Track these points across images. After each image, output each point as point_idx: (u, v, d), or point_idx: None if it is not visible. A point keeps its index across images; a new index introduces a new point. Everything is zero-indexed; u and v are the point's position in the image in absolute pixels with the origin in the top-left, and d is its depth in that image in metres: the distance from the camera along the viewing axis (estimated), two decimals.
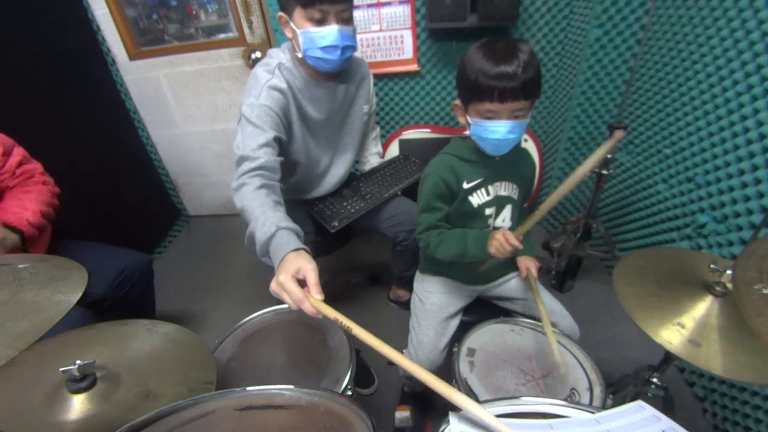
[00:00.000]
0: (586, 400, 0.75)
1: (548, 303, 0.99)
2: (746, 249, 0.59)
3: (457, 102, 0.87)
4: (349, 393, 0.79)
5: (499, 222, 0.98)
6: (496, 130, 0.80)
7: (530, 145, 1.86)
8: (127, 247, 1.35)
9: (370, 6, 1.67)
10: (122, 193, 1.98)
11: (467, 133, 0.88)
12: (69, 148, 1.65)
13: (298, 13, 0.98)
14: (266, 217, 0.82)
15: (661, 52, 1.37)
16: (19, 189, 1.13)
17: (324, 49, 1.00)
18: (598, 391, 0.76)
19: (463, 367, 0.83)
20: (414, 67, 1.79)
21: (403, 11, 1.67)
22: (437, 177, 0.91)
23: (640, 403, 0.54)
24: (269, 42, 1.85)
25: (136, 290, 1.30)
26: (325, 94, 1.15)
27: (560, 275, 1.67)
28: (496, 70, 0.75)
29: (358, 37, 1.68)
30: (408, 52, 1.76)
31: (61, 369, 0.59)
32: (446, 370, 0.91)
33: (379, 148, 1.51)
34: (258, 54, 1.87)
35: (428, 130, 1.89)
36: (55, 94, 1.63)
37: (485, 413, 0.48)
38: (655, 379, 0.93)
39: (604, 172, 1.40)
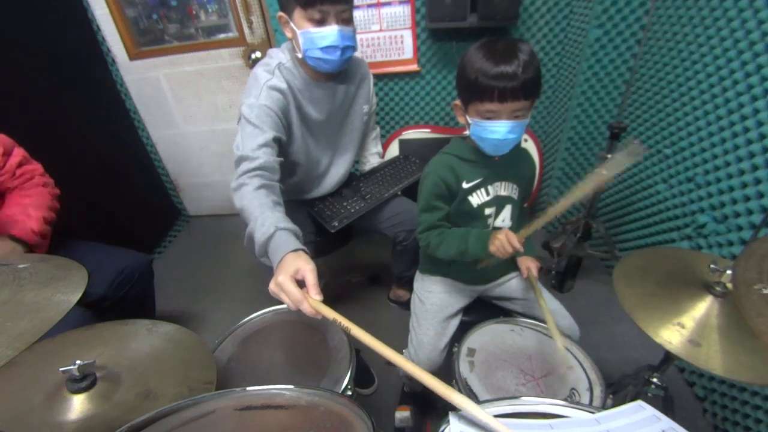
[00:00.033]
0: (586, 400, 0.75)
1: (548, 303, 0.99)
2: (746, 249, 0.59)
3: (457, 102, 0.87)
4: (349, 393, 0.79)
5: (498, 222, 0.98)
6: (496, 130, 0.80)
7: (530, 145, 1.86)
8: (127, 247, 1.35)
9: (370, 6, 1.67)
10: (122, 193, 1.98)
11: (467, 133, 0.88)
12: (69, 148, 1.65)
13: (298, 14, 0.98)
14: (265, 217, 0.82)
15: (661, 52, 1.37)
16: (20, 192, 1.13)
17: (324, 49, 1.00)
18: (598, 391, 0.76)
19: (463, 367, 0.83)
20: (414, 67, 1.79)
21: (403, 11, 1.67)
22: (437, 177, 0.91)
23: (640, 403, 0.54)
24: (269, 42, 1.85)
25: (136, 290, 1.30)
26: (324, 94, 1.15)
27: (560, 275, 1.67)
28: (496, 70, 0.75)
29: (358, 37, 1.68)
30: (408, 52, 1.76)
31: (61, 369, 0.59)
32: (446, 370, 0.91)
33: (379, 148, 1.50)
34: (258, 54, 1.87)
35: (428, 130, 1.89)
36: (55, 94, 1.63)
37: (483, 413, 0.48)
38: (655, 379, 0.93)
39: (604, 172, 1.40)
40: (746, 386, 1.08)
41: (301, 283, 0.68)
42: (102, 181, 1.84)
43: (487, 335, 0.92)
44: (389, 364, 0.56)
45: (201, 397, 0.53)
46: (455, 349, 0.89)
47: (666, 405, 0.93)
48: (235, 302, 1.80)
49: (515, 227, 1.00)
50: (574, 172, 1.85)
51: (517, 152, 0.95)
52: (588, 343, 0.90)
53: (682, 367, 1.34)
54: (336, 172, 1.31)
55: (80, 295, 0.60)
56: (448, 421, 0.51)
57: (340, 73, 1.15)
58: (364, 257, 2.00)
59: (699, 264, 0.75)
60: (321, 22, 0.98)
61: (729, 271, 0.65)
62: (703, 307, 0.68)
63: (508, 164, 0.93)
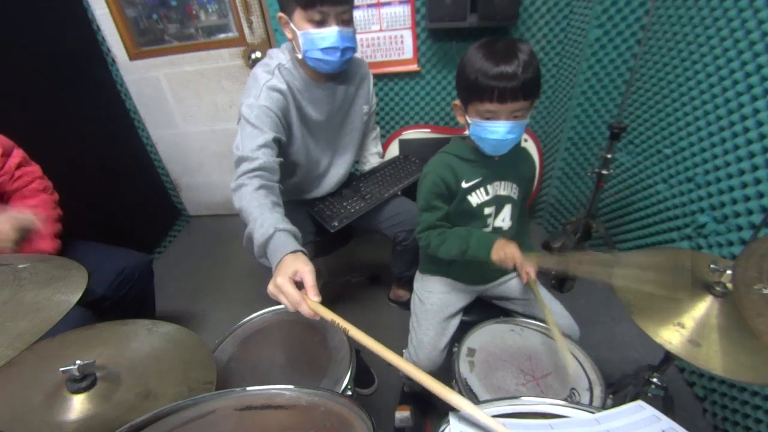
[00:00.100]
0: (586, 400, 0.75)
1: (548, 303, 0.99)
2: (746, 249, 0.59)
3: (457, 102, 0.87)
4: (349, 393, 0.79)
5: (498, 222, 0.98)
6: (496, 130, 0.80)
7: (530, 145, 1.86)
8: (127, 247, 1.35)
9: (370, 6, 1.67)
10: (122, 193, 1.98)
11: (467, 133, 0.88)
12: (69, 148, 1.65)
13: (299, 14, 0.98)
14: (264, 218, 0.82)
15: (661, 52, 1.37)
16: (22, 201, 1.13)
17: (324, 50, 1.00)
18: (598, 391, 0.76)
19: (463, 367, 0.83)
20: (414, 67, 1.79)
21: (403, 11, 1.67)
22: (436, 176, 0.91)
23: (640, 403, 0.54)
24: (269, 42, 1.85)
25: (136, 290, 1.30)
26: (324, 94, 1.15)
27: (560, 275, 1.67)
28: (496, 70, 0.75)
29: (358, 37, 1.68)
30: (408, 52, 1.76)
31: (61, 369, 0.59)
32: (446, 370, 0.91)
33: (379, 148, 1.50)
34: (258, 54, 1.87)
35: (428, 130, 1.89)
36: (55, 94, 1.63)
37: (481, 413, 0.48)
38: (655, 379, 0.93)
39: (604, 172, 1.40)
40: (746, 386, 1.08)
41: (299, 285, 0.68)
42: (102, 181, 1.84)
43: (487, 335, 0.92)
44: (390, 364, 0.56)
45: (201, 397, 0.53)
46: (455, 349, 0.89)
47: (666, 405, 0.93)
48: (235, 302, 1.80)
49: (515, 227, 1.00)
50: (574, 172, 1.85)
51: (517, 152, 0.95)
52: (588, 343, 0.90)
53: (682, 367, 1.34)
54: (336, 173, 1.31)
55: (80, 295, 0.60)
56: (448, 421, 0.51)
57: (340, 73, 1.15)
58: (364, 257, 2.00)
59: (699, 264, 0.75)
60: (321, 23, 0.98)
61: (729, 271, 0.65)
62: (703, 307, 0.68)
63: (508, 164, 0.93)
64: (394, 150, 1.92)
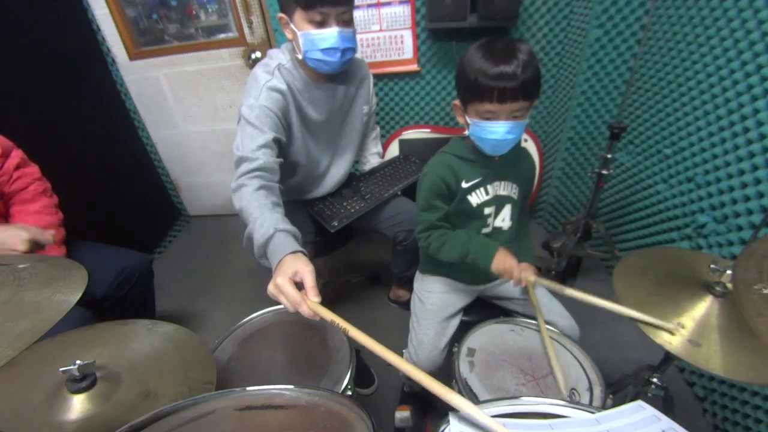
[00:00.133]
0: (586, 400, 0.75)
1: (548, 303, 0.99)
2: (746, 249, 0.59)
3: (456, 102, 0.87)
4: (349, 393, 0.79)
5: (498, 221, 0.98)
6: (495, 130, 0.80)
7: (530, 145, 1.86)
8: (127, 247, 1.35)
9: (370, 6, 1.67)
10: (122, 193, 1.98)
11: (467, 133, 0.88)
12: (69, 148, 1.65)
13: (299, 15, 0.98)
14: (264, 218, 0.82)
15: (661, 52, 1.37)
16: (23, 207, 1.13)
17: (324, 51, 1.00)
18: (598, 391, 0.76)
19: (463, 367, 0.83)
20: (414, 67, 1.79)
21: (403, 11, 1.67)
22: (436, 176, 0.91)
23: (640, 403, 0.54)
24: (269, 42, 1.85)
25: (136, 290, 1.30)
26: (324, 95, 1.15)
27: (560, 275, 1.67)
28: (496, 70, 0.75)
29: (358, 37, 1.68)
30: (408, 52, 1.76)
31: (61, 369, 0.59)
32: (446, 370, 0.91)
33: (379, 148, 1.50)
34: (258, 54, 1.87)
35: (428, 130, 1.89)
36: (55, 94, 1.63)
37: (481, 413, 0.48)
38: (655, 379, 0.93)
39: (604, 172, 1.40)
40: (746, 386, 1.08)
41: (299, 285, 0.68)
42: (102, 181, 1.84)
43: (487, 335, 0.92)
44: (389, 364, 0.56)
45: (201, 397, 0.53)
46: (455, 349, 0.89)
47: (666, 405, 0.93)
48: (235, 302, 1.80)
49: (515, 227, 1.00)
50: (574, 172, 1.85)
51: (517, 152, 0.95)
52: (588, 343, 0.90)
53: (682, 367, 1.34)
54: (336, 173, 1.31)
55: (80, 295, 0.60)
56: (448, 421, 0.51)
57: (340, 73, 1.15)
58: (364, 257, 2.00)
59: (699, 264, 0.76)
60: (321, 24, 0.98)
61: (729, 271, 0.65)
62: (703, 307, 0.68)
63: (508, 164, 0.93)
64: (394, 150, 1.92)
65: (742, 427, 1.09)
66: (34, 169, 1.18)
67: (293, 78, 1.08)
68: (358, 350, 1.02)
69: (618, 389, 1.01)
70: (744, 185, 1.07)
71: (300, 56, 1.04)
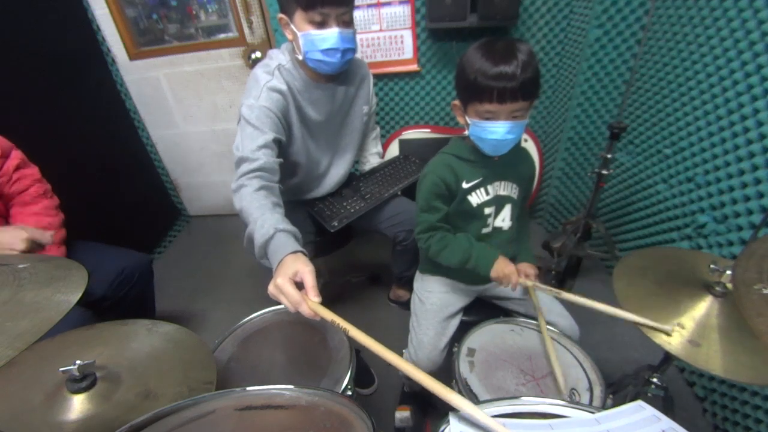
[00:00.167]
0: (586, 400, 0.75)
1: (548, 303, 0.99)
2: (746, 249, 0.59)
3: (456, 102, 0.87)
4: (349, 393, 0.79)
5: (498, 221, 0.98)
6: (495, 130, 0.80)
7: (530, 145, 1.86)
8: (127, 247, 1.35)
9: (370, 6, 1.67)
10: (122, 193, 1.98)
11: (467, 133, 0.88)
12: (69, 148, 1.65)
13: (299, 16, 0.98)
14: (265, 219, 0.82)
15: (661, 52, 1.37)
16: (23, 209, 1.12)
17: (324, 51, 1.00)
18: (598, 391, 0.76)
19: (463, 367, 0.83)
20: (414, 67, 1.79)
21: (403, 11, 1.67)
22: (436, 176, 0.91)
23: (640, 403, 0.54)
24: (269, 42, 1.85)
25: (136, 290, 1.30)
26: (324, 95, 1.15)
27: (560, 275, 1.67)
28: (495, 70, 0.75)
29: (358, 37, 1.68)
30: (408, 52, 1.76)
31: (61, 369, 0.59)
32: (446, 370, 0.91)
33: (379, 148, 1.50)
34: (258, 54, 1.87)
35: (428, 130, 1.89)
36: (55, 94, 1.63)
37: (481, 413, 0.48)
38: (655, 379, 0.93)
39: (604, 172, 1.40)
40: (746, 386, 1.08)
41: (300, 285, 0.68)
42: (102, 181, 1.84)
43: (487, 335, 0.92)
44: (390, 364, 0.56)
45: (201, 397, 0.53)
46: (455, 349, 0.89)
47: (666, 405, 0.93)
48: (235, 302, 1.80)
49: (515, 227, 1.00)
50: (574, 172, 1.85)
51: (517, 152, 0.95)
52: (588, 343, 0.90)
53: (682, 367, 1.34)
54: (336, 173, 1.31)
55: (80, 295, 0.60)
56: (448, 421, 0.51)
57: (340, 74, 1.15)
58: (364, 257, 2.00)
59: (699, 264, 0.76)
60: (322, 25, 0.98)
61: (729, 271, 0.65)
62: (703, 307, 0.68)
63: (508, 164, 0.93)
64: (394, 150, 1.92)
65: (742, 427, 1.09)
66: (33, 171, 1.17)
67: (293, 78, 1.08)
68: (358, 350, 1.02)
69: (618, 389, 1.01)
70: (744, 185, 1.07)
71: (300, 57, 1.04)
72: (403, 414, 1.11)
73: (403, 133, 1.90)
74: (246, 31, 1.84)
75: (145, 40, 1.94)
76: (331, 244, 1.43)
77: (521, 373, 0.82)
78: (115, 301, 1.23)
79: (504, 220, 0.98)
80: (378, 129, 1.49)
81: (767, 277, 0.52)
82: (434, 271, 1.09)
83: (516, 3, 1.51)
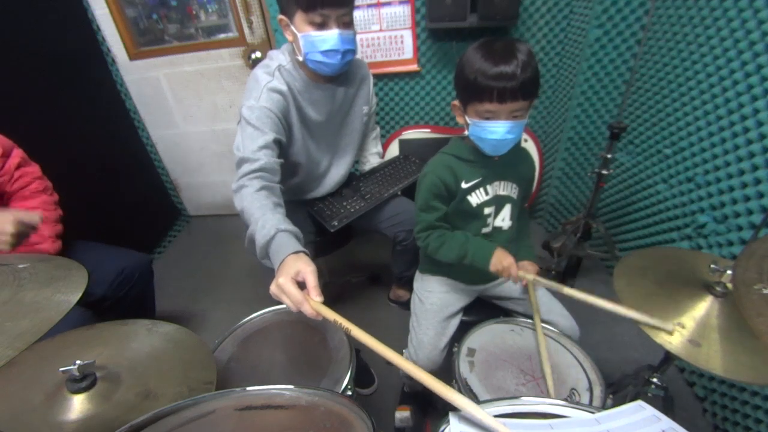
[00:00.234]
0: (586, 400, 0.75)
1: (548, 303, 0.99)
2: (746, 249, 0.59)
3: (456, 102, 0.87)
4: (349, 393, 0.79)
5: (498, 221, 0.98)
6: (495, 130, 0.80)
7: (530, 145, 1.86)
8: (127, 247, 1.35)
9: (370, 6, 1.67)
10: (122, 193, 1.98)
11: (466, 133, 0.88)
12: (69, 148, 1.65)
13: (299, 17, 0.98)
14: (266, 219, 0.82)
15: (661, 52, 1.37)
16: (22, 203, 1.13)
17: (324, 53, 1.00)
18: (598, 391, 0.76)
19: (463, 367, 0.83)
20: (414, 67, 1.79)
21: (403, 11, 1.67)
22: (435, 177, 0.91)
23: (640, 403, 0.54)
24: (269, 42, 1.85)
25: (136, 290, 1.30)
26: (324, 96, 1.15)
27: (560, 275, 1.67)
28: (495, 70, 0.75)
29: (358, 37, 1.68)
30: (408, 52, 1.76)
31: (61, 369, 0.59)
32: (446, 370, 0.91)
33: (379, 148, 1.50)
34: (258, 54, 1.87)
35: (428, 130, 1.89)
36: (55, 94, 1.63)
37: (482, 413, 0.48)
38: (655, 379, 0.93)
39: (604, 172, 1.40)
40: (746, 386, 1.08)
41: (301, 285, 0.68)
42: (102, 181, 1.84)
43: (487, 335, 0.92)
44: (389, 364, 0.56)
45: (201, 397, 0.53)
46: (455, 349, 0.89)
47: (666, 405, 0.93)
48: (235, 302, 1.80)
49: (515, 227, 1.00)
50: (574, 172, 1.85)
51: (517, 152, 0.95)
52: (588, 343, 0.90)
53: (682, 367, 1.34)
54: (336, 173, 1.31)
55: (80, 295, 0.60)
56: (448, 421, 0.51)
57: (340, 74, 1.15)
58: (364, 257, 2.00)
59: (699, 264, 0.75)
60: (322, 26, 0.98)
61: (729, 271, 0.65)
62: (703, 307, 0.68)
63: (508, 164, 0.93)
64: (394, 150, 1.92)
65: (742, 427, 1.09)
66: (34, 168, 1.18)
67: (293, 79, 1.08)
68: (358, 350, 1.02)
69: (618, 389, 1.01)
70: (744, 185, 1.07)
71: (300, 58, 1.04)
72: (403, 414, 1.11)
73: (403, 133, 1.90)
74: (246, 31, 1.84)
75: (145, 40, 1.94)
76: (331, 244, 1.43)
77: (521, 373, 0.82)
78: (115, 301, 1.23)
79: (504, 219, 0.98)
80: (378, 129, 1.49)
81: (767, 277, 0.53)
82: (434, 271, 1.09)
83: (516, 3, 1.51)
